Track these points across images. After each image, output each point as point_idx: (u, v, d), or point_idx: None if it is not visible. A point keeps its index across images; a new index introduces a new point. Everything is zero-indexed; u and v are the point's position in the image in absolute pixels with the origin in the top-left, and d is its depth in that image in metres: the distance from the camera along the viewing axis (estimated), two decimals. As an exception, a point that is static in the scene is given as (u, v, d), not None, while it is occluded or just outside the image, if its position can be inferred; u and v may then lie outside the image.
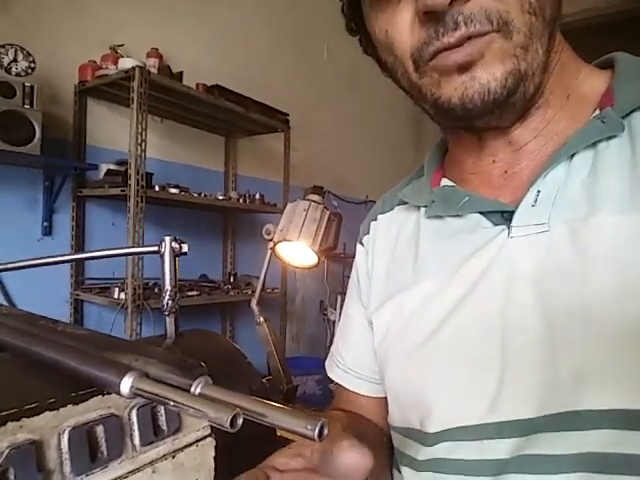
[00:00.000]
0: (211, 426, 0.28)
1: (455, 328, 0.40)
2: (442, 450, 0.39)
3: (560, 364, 0.34)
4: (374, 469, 0.27)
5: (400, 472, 0.45)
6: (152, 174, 1.83)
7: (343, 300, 0.63)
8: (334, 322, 2.83)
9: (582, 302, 0.34)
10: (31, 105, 1.52)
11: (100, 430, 0.23)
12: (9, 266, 0.45)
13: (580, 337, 0.34)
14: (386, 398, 0.49)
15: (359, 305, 0.54)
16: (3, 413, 0.19)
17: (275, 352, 1.05)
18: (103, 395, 0.23)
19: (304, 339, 3.07)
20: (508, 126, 0.39)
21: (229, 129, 2.43)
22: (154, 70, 1.84)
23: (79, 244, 1.90)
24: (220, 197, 2.12)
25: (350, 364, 0.55)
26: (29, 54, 1.53)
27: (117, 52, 1.88)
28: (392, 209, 0.54)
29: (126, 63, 1.76)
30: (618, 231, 0.34)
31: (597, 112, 0.38)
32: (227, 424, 0.19)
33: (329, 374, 0.58)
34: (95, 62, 1.86)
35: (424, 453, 0.41)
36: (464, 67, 0.34)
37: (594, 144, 0.36)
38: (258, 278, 1.10)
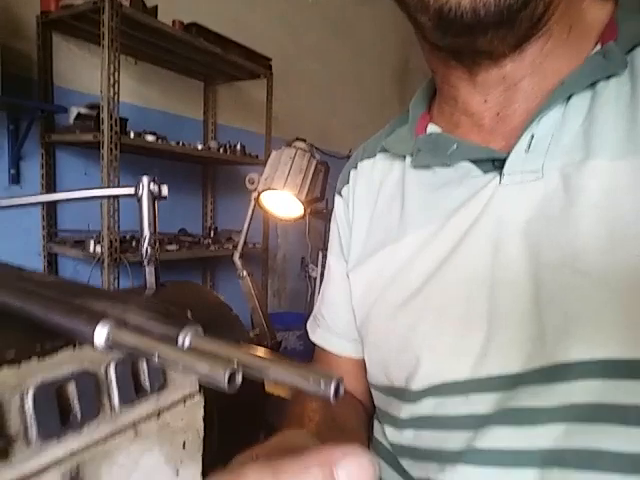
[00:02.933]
0: (199, 383, 0.25)
1: (443, 283, 0.39)
2: (426, 407, 0.38)
3: (546, 317, 0.33)
4: None
5: (383, 430, 0.44)
6: (127, 120, 1.72)
7: (324, 257, 0.61)
8: (315, 279, 2.83)
9: (571, 253, 0.32)
10: (-13, 36, 1.38)
11: (72, 388, 0.19)
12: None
13: (567, 289, 0.32)
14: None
15: (341, 259, 0.51)
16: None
17: (259, 307, 1.03)
18: (74, 348, 0.20)
19: (285, 295, 3.08)
20: (505, 53, 0.35)
21: (208, 73, 2.29)
22: (126, 3, 1.68)
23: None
24: (199, 147, 2.02)
25: (331, 323, 0.52)
26: (-18, -23, 1.37)
27: (84, -19, 1.70)
28: (374, 156, 0.50)
29: (94, -6, 1.60)
30: (612, 176, 0.31)
31: (598, 47, 0.35)
32: (224, 382, 0.16)
33: (311, 337, 0.55)
34: (59, -9, 1.69)
35: (407, 410, 0.40)
36: None
37: (593, 84, 0.33)
38: (239, 233, 1.06)
